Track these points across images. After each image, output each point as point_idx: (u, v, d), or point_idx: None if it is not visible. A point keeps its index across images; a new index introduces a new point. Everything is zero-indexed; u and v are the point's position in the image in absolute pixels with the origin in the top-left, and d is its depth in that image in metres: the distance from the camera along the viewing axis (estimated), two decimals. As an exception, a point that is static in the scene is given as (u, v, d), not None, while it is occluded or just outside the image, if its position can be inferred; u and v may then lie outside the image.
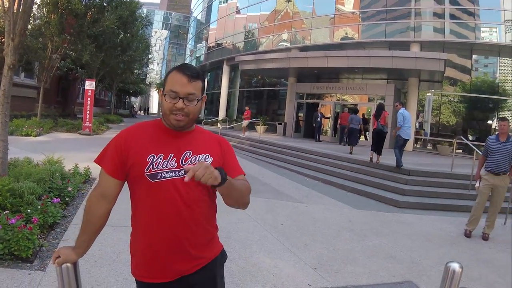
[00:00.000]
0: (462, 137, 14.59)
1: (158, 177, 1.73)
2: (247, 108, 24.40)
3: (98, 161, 1.84)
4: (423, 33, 20.81)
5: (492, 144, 6.69)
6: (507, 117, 19.29)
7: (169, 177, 1.74)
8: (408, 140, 10.94)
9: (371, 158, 11.76)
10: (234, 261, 4.53)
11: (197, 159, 1.80)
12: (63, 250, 1.83)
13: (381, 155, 11.64)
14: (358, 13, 23.65)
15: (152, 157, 1.74)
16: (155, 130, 1.85)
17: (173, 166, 1.75)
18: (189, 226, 1.76)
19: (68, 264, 1.79)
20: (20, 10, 6.11)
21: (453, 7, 20.24)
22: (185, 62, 55.14)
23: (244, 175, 1.97)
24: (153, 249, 1.77)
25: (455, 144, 12.42)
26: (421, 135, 21.92)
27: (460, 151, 18.85)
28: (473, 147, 10.54)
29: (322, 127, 22.87)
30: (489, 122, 20.95)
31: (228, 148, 1.98)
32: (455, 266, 2.09)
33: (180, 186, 1.73)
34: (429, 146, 21.61)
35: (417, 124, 21.93)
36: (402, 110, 10.82)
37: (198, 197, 1.79)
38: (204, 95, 1.87)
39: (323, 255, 5.04)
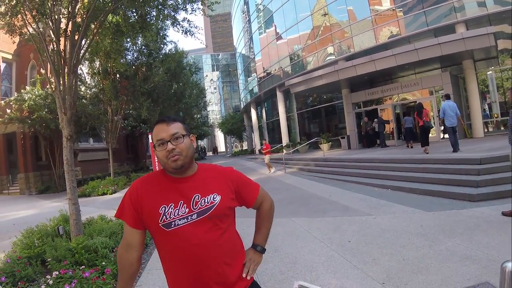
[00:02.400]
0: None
1: (172, 226, 1.83)
2: (265, 141, 22.35)
3: (118, 215, 1.98)
4: (465, 11, 19.68)
5: None
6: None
7: (182, 223, 1.84)
8: (454, 126, 12.28)
9: (426, 152, 13.15)
10: None
11: (206, 200, 1.88)
12: None
13: (428, 145, 13.51)
14: (395, 8, 22.96)
15: (163, 208, 1.85)
16: (162, 180, 1.96)
17: (185, 212, 1.85)
18: (211, 266, 1.84)
19: None
20: (66, 86, 6.57)
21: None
22: (240, 96, 56.27)
23: (258, 194, 2.17)
24: None
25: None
26: (489, 118, 20.62)
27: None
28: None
29: (385, 132, 22.17)
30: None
31: (237, 180, 2.09)
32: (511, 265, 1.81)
33: (194, 230, 1.84)
34: (502, 128, 19.94)
35: (486, 107, 20.72)
36: (443, 104, 12.72)
37: (214, 237, 1.87)
38: (192, 135, 2.01)
39: (392, 267, 4.78)
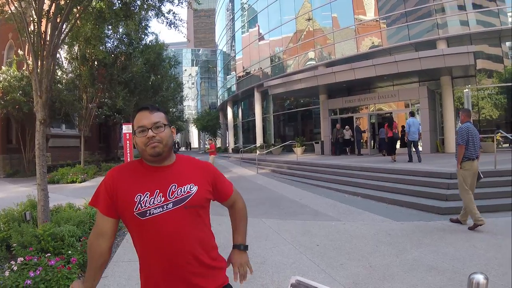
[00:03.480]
0: (501, 130, 13.98)
1: (147, 215, 1.80)
2: (210, 140, 21.53)
3: (92, 203, 1.94)
4: (447, 28, 20.21)
5: None
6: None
7: (157, 212, 1.80)
8: (415, 140, 14.50)
9: (393, 160, 15.11)
10: (265, 286, 4.49)
11: (182, 190, 1.87)
12: (75, 284, 1.91)
13: (395, 154, 15.56)
14: (379, 20, 23.31)
15: (139, 196, 1.82)
16: (139, 168, 1.93)
17: (160, 201, 1.82)
18: (185, 256, 1.81)
19: None
20: (44, 69, 6.42)
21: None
22: (218, 94, 56.11)
23: (233, 191, 2.20)
24: (154, 280, 1.85)
25: (495, 139, 11.94)
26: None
27: (507, 145, 18.06)
28: (515, 139, 10.12)
29: (361, 140, 22.52)
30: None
31: (214, 173, 2.09)
32: (479, 278, 1.85)
33: (169, 219, 1.81)
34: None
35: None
36: (408, 120, 14.60)
37: (189, 227, 1.85)
38: (173, 126, 2.00)
39: (359, 273, 4.84)
